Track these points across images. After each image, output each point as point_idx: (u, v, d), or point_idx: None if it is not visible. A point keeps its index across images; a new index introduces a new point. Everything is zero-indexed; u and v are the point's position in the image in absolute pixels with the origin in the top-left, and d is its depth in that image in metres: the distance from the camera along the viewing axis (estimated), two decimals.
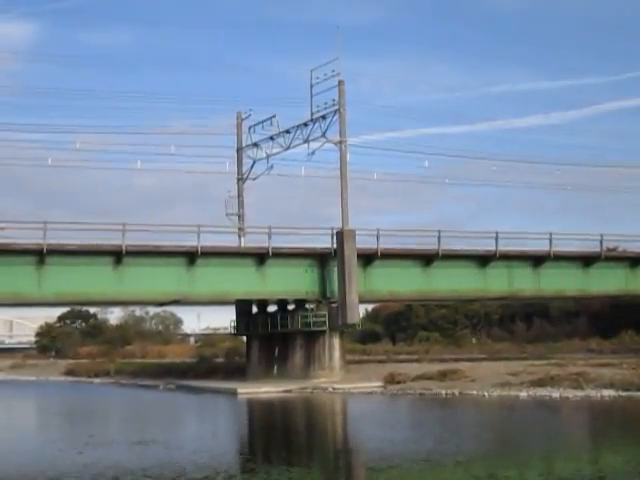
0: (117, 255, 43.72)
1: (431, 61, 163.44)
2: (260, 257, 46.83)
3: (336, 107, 47.48)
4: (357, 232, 47.16)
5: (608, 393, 34.19)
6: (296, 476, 17.56)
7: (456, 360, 51.26)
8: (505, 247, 51.09)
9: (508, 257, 51.47)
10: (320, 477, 18.03)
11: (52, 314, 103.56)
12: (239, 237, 51.91)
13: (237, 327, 55.89)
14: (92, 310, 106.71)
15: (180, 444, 23.64)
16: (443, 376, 42.20)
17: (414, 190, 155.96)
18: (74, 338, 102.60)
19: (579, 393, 34.62)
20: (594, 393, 34.43)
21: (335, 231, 47.07)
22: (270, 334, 51.68)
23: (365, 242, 47.88)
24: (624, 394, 33.78)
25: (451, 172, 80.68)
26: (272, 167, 53.11)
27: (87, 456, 21.04)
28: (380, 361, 56.61)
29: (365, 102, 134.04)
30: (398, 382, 43.10)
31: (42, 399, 50.37)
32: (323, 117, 48.26)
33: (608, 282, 54.74)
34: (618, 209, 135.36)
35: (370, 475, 18.17)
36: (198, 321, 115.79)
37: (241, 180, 55.15)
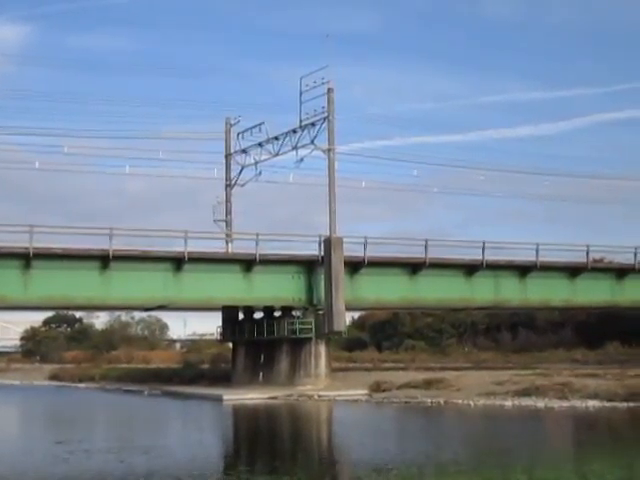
0: (104, 259, 43.59)
1: (423, 70, 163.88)
2: (247, 263, 46.80)
3: (325, 114, 47.55)
4: (344, 240, 47.21)
5: (593, 403, 34.29)
6: None
7: (442, 369, 51.29)
8: (492, 257, 51.24)
9: (495, 267, 51.61)
10: None
11: (37, 318, 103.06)
12: (226, 243, 51.86)
13: (223, 333, 55.81)
14: (78, 314, 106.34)
15: (163, 451, 23.57)
16: (428, 385, 42.23)
17: (403, 199, 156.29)
18: (59, 342, 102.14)
19: (564, 403, 34.71)
20: (579, 403, 34.54)
21: (322, 238, 47.08)
22: (256, 341, 51.63)
23: (352, 250, 47.97)
24: (608, 404, 33.89)
25: (440, 181, 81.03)
26: (260, 173, 53.24)
27: (65, 464, 20.93)
28: (366, 369, 56.61)
29: (357, 110, 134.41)
30: (384, 390, 43.12)
31: (25, 403, 50.14)
32: (312, 124, 48.32)
33: (594, 293, 54.95)
34: (606, 220, 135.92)
35: None
36: (184, 327, 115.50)
37: (229, 186, 55.14)
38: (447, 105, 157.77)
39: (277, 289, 47.61)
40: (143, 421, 35.74)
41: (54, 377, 76.35)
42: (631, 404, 33.41)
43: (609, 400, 34.38)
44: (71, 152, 49.51)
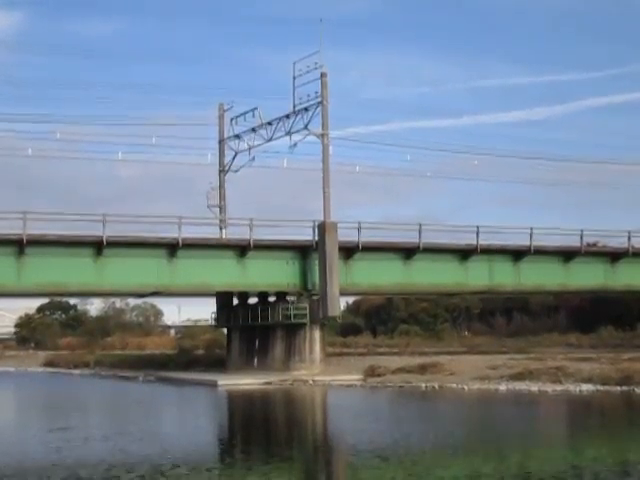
0: (97, 246, 43.52)
1: (418, 54, 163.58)
2: (241, 249, 46.77)
3: (319, 99, 47.41)
4: (339, 225, 47.17)
5: (586, 387, 34.40)
6: (276, 468, 17.56)
7: (436, 353, 51.44)
8: (486, 241, 51.26)
9: (489, 251, 51.64)
10: (300, 469, 18.04)
11: (32, 305, 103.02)
12: (220, 229, 51.82)
13: (218, 319, 55.83)
14: (72, 301, 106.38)
15: (159, 437, 23.59)
16: (423, 369, 42.34)
17: (397, 184, 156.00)
18: (54, 329, 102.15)
19: (558, 387, 34.82)
20: (573, 387, 34.64)
21: (317, 224, 47.04)
22: (251, 326, 51.66)
23: (347, 235, 47.92)
24: (602, 388, 34.01)
25: (434, 166, 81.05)
26: (254, 159, 53.11)
27: (61, 452, 20.94)
28: (360, 354, 56.73)
29: (351, 95, 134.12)
30: (378, 375, 43.20)
31: (20, 390, 50.12)
32: (306, 109, 48.18)
33: (588, 277, 55.04)
34: (600, 205, 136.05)
35: (349, 467, 18.20)
36: (178, 313, 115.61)
37: (223, 172, 55.02)
38: (441, 90, 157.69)
39: (271, 275, 47.60)
40: (138, 407, 35.75)
41: (49, 364, 76.35)
42: (624, 388, 33.52)
43: (603, 384, 34.49)
44: (64, 138, 49.42)
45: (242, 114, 52.84)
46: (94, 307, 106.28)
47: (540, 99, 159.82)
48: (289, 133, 49.38)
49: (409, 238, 49.72)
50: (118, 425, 27.21)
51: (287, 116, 49.35)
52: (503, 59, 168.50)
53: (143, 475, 16.67)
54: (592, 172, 65.47)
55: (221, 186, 54.84)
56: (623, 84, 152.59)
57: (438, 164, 76.22)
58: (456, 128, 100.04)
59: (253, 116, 51.78)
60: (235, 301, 54.37)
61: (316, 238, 46.97)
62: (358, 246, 48.16)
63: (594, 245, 57.84)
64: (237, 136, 53.66)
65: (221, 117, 55.20)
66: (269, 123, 50.82)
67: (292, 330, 48.97)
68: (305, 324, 48.34)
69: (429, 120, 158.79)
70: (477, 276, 52.00)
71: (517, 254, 52.75)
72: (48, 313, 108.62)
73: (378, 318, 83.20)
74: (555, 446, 20.52)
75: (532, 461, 18.19)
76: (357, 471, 17.40)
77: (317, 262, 47.07)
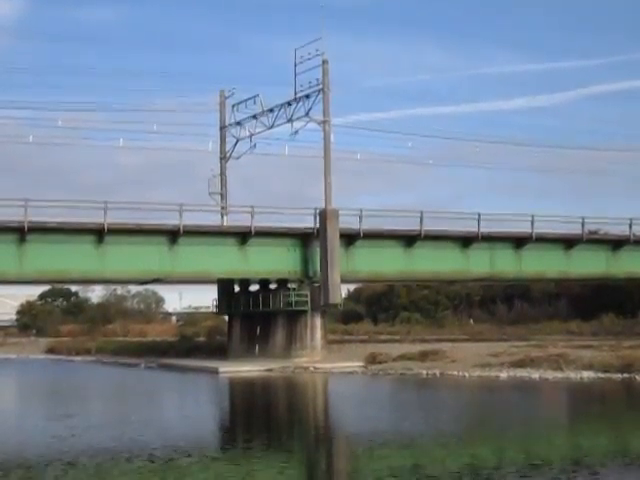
0: (99, 233, 43.53)
1: (419, 42, 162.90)
2: (242, 236, 46.77)
3: (320, 87, 47.30)
4: (340, 212, 47.14)
5: (587, 375, 34.44)
6: (277, 455, 17.60)
7: (437, 341, 51.47)
8: (487, 229, 51.21)
9: (490, 239, 51.60)
10: (301, 456, 18.08)
11: (33, 292, 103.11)
12: (222, 216, 51.77)
13: (219, 306, 55.86)
14: (73, 288, 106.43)
15: (160, 424, 23.64)
16: (424, 356, 42.37)
17: (399, 171, 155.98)
18: (55, 316, 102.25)
19: (559, 374, 34.85)
20: (574, 375, 34.67)
21: (318, 211, 47.01)
22: (252, 313, 51.70)
23: (348, 222, 47.91)
24: (603, 376, 34.03)
25: (436, 153, 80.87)
26: (255, 146, 53.04)
27: (64, 441, 20.99)
28: (362, 341, 56.78)
29: (352, 82, 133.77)
30: (379, 362, 43.26)
31: (22, 377, 50.22)
32: (307, 96, 48.08)
33: (589, 265, 55.01)
34: (602, 192, 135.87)
35: (350, 454, 18.23)
36: (180, 300, 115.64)
37: (224, 159, 54.95)
38: (443, 77, 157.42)
39: (272, 262, 47.62)
40: (140, 394, 35.82)
41: (50, 351, 76.48)
42: (625, 375, 33.54)
43: (604, 371, 34.52)
44: (65, 125, 49.37)
45: (243, 101, 52.77)
46: (95, 294, 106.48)
47: (540, 87, 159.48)
48: (290, 120, 49.31)
49: (410, 225, 49.71)
50: (120, 412, 27.26)
51: (288, 103, 49.26)
52: (503, 46, 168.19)
53: (144, 463, 16.70)
54: (593, 159, 65.43)
55: (222, 173, 54.78)
56: (624, 72, 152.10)
57: (439, 151, 76.15)
58: (457, 115, 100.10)
59: (254, 103, 51.70)
60: (236, 288, 54.40)
61: (317, 225, 46.95)
62: (359, 233, 48.15)
63: (595, 233, 57.76)
64: (238, 123, 53.56)
65: (222, 104, 55.08)
66: (270, 110, 50.73)
67: (293, 317, 49.03)
68: (306, 311, 48.39)
69: (430, 107, 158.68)
70: (478, 263, 51.98)
71: (518, 241, 52.72)
72: (49, 300, 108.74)
73: (379, 305, 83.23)
74: (556, 433, 20.56)
75: (533, 448, 18.22)
76: (358, 458, 17.44)
77: (318, 249, 47.07)
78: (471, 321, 72.12)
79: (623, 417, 23.65)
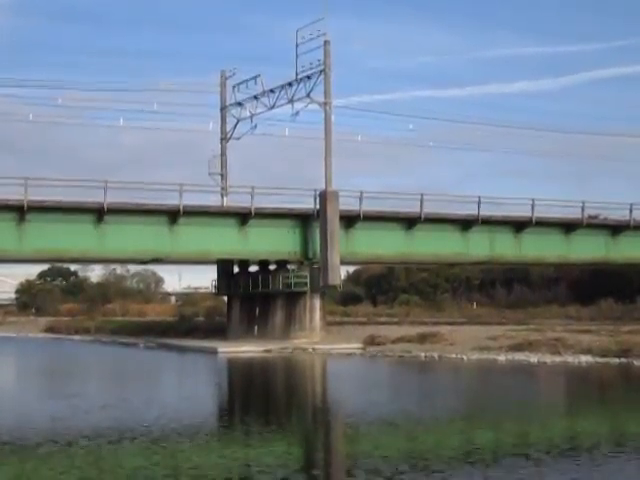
0: (98, 212, 43.51)
1: (423, 24, 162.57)
2: (242, 217, 46.75)
3: (322, 67, 47.13)
4: (340, 194, 47.11)
5: (585, 359, 34.48)
6: (275, 435, 17.64)
7: (436, 323, 51.56)
8: (487, 212, 51.21)
9: (490, 222, 51.61)
10: (299, 436, 18.12)
11: (32, 271, 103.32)
12: (222, 197, 51.75)
13: (218, 287, 55.92)
14: (73, 268, 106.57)
15: (158, 403, 23.68)
16: (423, 339, 42.45)
17: (399, 154, 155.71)
18: (55, 295, 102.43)
19: (557, 358, 34.90)
20: (572, 359, 34.72)
21: (318, 192, 46.97)
22: (251, 294, 51.75)
23: (348, 204, 47.91)
24: (601, 360, 34.07)
25: (438, 136, 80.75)
26: (256, 127, 52.90)
27: (64, 421, 21.03)
28: (360, 323, 56.89)
29: (355, 64, 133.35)
30: (378, 344, 43.36)
31: (21, 356, 50.33)
32: (308, 77, 47.91)
33: (588, 249, 55.05)
34: (603, 177, 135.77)
35: (347, 434, 18.28)
36: (179, 280, 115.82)
37: (224, 139, 54.83)
38: (447, 59, 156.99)
39: (272, 243, 47.62)
40: (139, 374, 35.89)
41: (49, 329, 76.68)
42: (623, 360, 33.58)
43: (602, 356, 34.56)
44: (65, 104, 49.25)
45: (244, 81, 52.59)
46: (95, 274, 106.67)
47: (545, 70, 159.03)
48: (291, 101, 49.17)
49: (411, 208, 49.69)
50: (119, 391, 27.31)
51: (289, 84, 49.10)
52: (508, 29, 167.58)
53: (144, 443, 16.74)
54: (595, 144, 65.30)
55: (223, 154, 54.67)
56: (629, 56, 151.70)
57: (441, 134, 76.04)
58: (459, 98, 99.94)
59: (255, 83, 51.55)
60: (236, 269, 54.44)
61: (317, 207, 46.92)
62: (359, 215, 48.13)
63: (596, 217, 57.75)
64: (239, 104, 53.41)
65: (223, 84, 54.91)
66: (271, 91, 50.57)
67: (292, 298, 49.08)
68: (305, 292, 48.45)
69: (432, 90, 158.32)
70: (478, 247, 52.01)
71: (518, 225, 52.72)
72: (49, 279, 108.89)
73: (378, 287, 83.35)
74: (553, 417, 20.60)
75: (530, 430, 18.27)
76: (355, 438, 17.48)
77: (318, 231, 47.06)
78: (474, 305, 72.15)
79: (620, 401, 23.70)
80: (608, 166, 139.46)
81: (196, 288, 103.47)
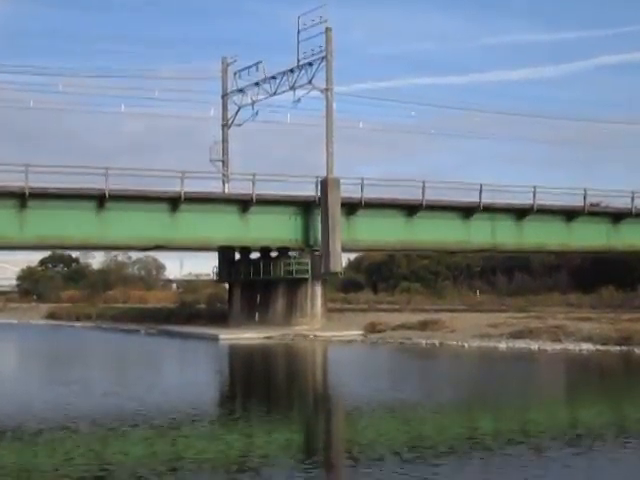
0: (100, 199, 43.48)
1: (425, 10, 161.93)
2: (244, 204, 46.72)
3: (323, 54, 47.03)
4: (342, 181, 47.07)
5: (586, 347, 34.52)
6: (276, 422, 17.69)
7: (437, 311, 51.56)
8: (489, 199, 51.15)
9: (491, 209, 51.56)
10: (300, 423, 18.17)
11: (34, 258, 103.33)
12: (223, 183, 51.71)
13: (219, 274, 55.95)
14: (74, 254, 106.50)
15: (160, 390, 23.73)
16: (424, 326, 42.49)
17: (401, 141, 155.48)
18: (56, 282, 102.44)
19: (557, 346, 34.94)
20: (572, 346, 34.76)
21: (319, 179, 46.93)
22: (252, 281, 51.79)
23: (349, 191, 47.88)
24: (602, 348, 34.12)
25: (440, 123, 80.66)
26: (257, 113, 52.85)
27: (67, 407, 21.09)
28: (361, 310, 56.88)
29: (356, 50, 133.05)
30: (379, 331, 43.41)
31: (23, 342, 50.40)
32: (310, 64, 47.80)
33: (590, 237, 55.01)
34: (605, 165, 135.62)
35: (348, 421, 18.32)
36: (180, 267, 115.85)
37: (226, 126, 54.78)
38: (448, 46, 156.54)
39: (274, 230, 47.62)
40: (140, 360, 35.98)
41: (51, 316, 76.74)
42: (624, 348, 33.63)
43: (602, 344, 34.61)
44: (66, 91, 49.16)
45: (246, 68, 52.51)
46: (96, 260, 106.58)
47: (547, 57, 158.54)
48: (293, 88, 49.08)
49: (412, 195, 49.63)
50: (120, 378, 27.38)
51: (291, 70, 49.00)
52: (510, 16, 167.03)
53: (145, 429, 16.79)
54: (599, 132, 65.21)
55: (224, 140, 54.63)
56: (632, 43, 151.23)
57: (442, 121, 75.82)
58: (461, 85, 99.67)
59: (257, 70, 51.47)
60: (237, 256, 54.46)
61: (319, 194, 46.89)
62: (361, 202, 48.09)
63: (597, 205, 57.66)
64: (240, 90, 53.33)
65: (224, 71, 54.82)
66: (273, 77, 50.48)
67: (294, 285, 49.12)
68: (307, 279, 48.48)
69: (434, 77, 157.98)
70: (479, 234, 51.97)
71: (520, 213, 52.67)
72: (50, 266, 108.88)
73: (379, 275, 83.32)
74: (553, 405, 20.65)
75: (530, 417, 18.32)
76: (356, 425, 17.52)
77: (319, 218, 47.05)
78: (477, 293, 72.09)
79: (620, 389, 23.73)
80: (610, 153, 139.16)
81: (197, 275, 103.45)
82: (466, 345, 37.19)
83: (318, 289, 48.90)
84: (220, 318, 53.99)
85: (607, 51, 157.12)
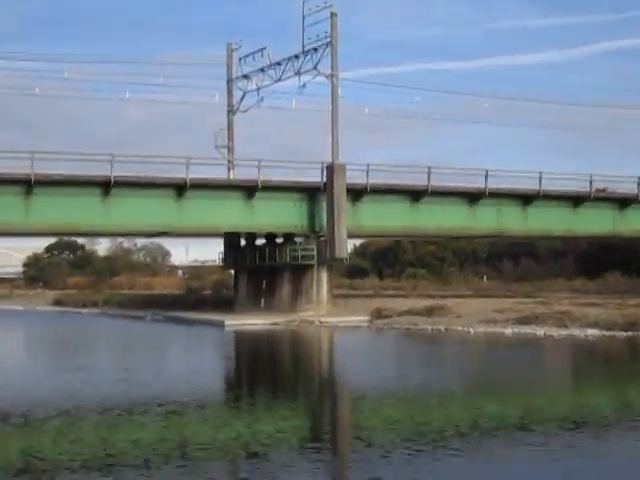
0: (105, 186, 43.49)
1: None
2: (249, 190, 46.68)
3: (328, 40, 46.87)
4: (347, 167, 47.00)
5: (592, 332, 34.49)
6: (282, 407, 17.72)
7: (443, 296, 51.55)
8: (495, 185, 51.03)
9: (497, 195, 51.44)
10: (306, 410, 18.21)
11: (40, 245, 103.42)
12: (228, 170, 51.67)
13: (225, 260, 55.98)
14: (80, 241, 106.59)
15: (166, 376, 23.80)
16: (429, 312, 42.48)
17: (407, 127, 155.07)
18: (62, 269, 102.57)
19: (563, 332, 34.93)
20: (578, 332, 34.74)
21: (325, 165, 46.87)
22: (258, 267, 51.82)
23: (355, 177, 47.79)
24: (608, 333, 34.10)
25: (445, 109, 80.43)
26: (262, 99, 52.77)
27: (75, 394, 21.15)
28: (367, 296, 56.90)
29: (362, 36, 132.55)
30: (384, 317, 43.42)
31: (30, 329, 50.51)
32: (315, 50, 47.67)
33: (596, 223, 54.88)
34: (612, 150, 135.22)
35: (354, 406, 18.35)
36: (186, 253, 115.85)
37: (231, 112, 54.68)
38: (454, 31, 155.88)
39: (279, 216, 47.59)
40: (147, 346, 36.04)
41: (57, 303, 76.90)
42: (630, 333, 33.61)
43: (608, 329, 34.58)
44: (71, 77, 49.09)
45: (251, 54, 52.35)
46: (102, 247, 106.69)
47: (553, 42, 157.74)
48: (298, 74, 48.96)
49: (418, 181, 49.54)
50: (127, 364, 27.42)
51: (296, 56, 48.86)
52: (517, 0, 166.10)
53: (151, 415, 16.84)
54: (606, 117, 64.92)
55: (229, 127, 54.55)
56: (639, 27, 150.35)
57: (448, 107, 75.62)
58: (468, 70, 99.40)
59: (262, 56, 51.31)
60: (243, 242, 54.48)
61: (324, 180, 46.84)
62: (366, 188, 48.03)
63: (603, 190, 57.49)
64: (245, 76, 53.21)
65: (229, 57, 54.67)
66: (278, 63, 50.34)
67: (299, 271, 49.14)
68: (312, 265, 48.49)
69: (440, 62, 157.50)
70: (485, 220, 51.90)
71: (525, 198, 52.55)
72: (56, 253, 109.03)
73: (385, 261, 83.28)
74: (559, 391, 20.66)
75: (536, 403, 18.33)
76: (362, 410, 17.55)
77: (325, 204, 47.02)
78: (484, 278, 72.01)
79: (628, 376, 23.71)
80: (616, 139, 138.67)
81: (203, 261, 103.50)
82: (472, 331, 37.20)
83: (324, 275, 48.92)
84: (226, 304, 54.06)
85: (613, 36, 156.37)
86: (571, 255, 70.78)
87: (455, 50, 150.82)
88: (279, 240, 51.64)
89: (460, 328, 37.96)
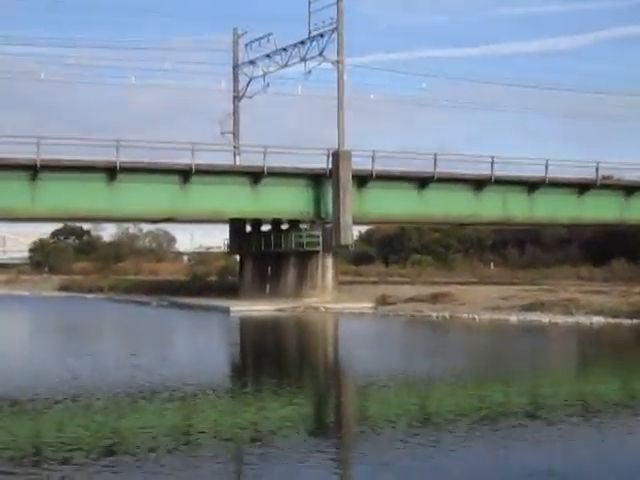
0: (111, 171, 43.51)
1: None
2: (255, 176, 46.66)
3: (334, 26, 46.74)
4: (353, 153, 46.96)
5: (597, 320, 34.47)
6: (288, 394, 17.75)
7: (448, 283, 51.55)
8: (501, 172, 50.96)
9: (503, 182, 51.38)
10: (312, 395, 18.24)
11: (45, 230, 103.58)
12: (234, 156, 51.64)
13: (230, 246, 56.04)
14: (85, 226, 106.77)
15: (170, 361, 23.86)
16: (434, 299, 42.48)
17: (413, 112, 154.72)
18: (67, 254, 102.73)
19: (569, 319, 34.91)
20: (583, 319, 34.72)
21: (331, 152, 46.82)
22: (263, 253, 51.85)
23: (361, 163, 47.80)
24: (613, 321, 34.07)
25: (451, 95, 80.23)
26: (268, 85, 52.72)
27: (80, 379, 21.20)
28: (372, 283, 56.93)
29: (369, 22, 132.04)
30: (389, 303, 43.44)
31: (36, 314, 50.61)
32: (321, 35, 47.57)
33: (602, 210, 54.78)
34: (619, 137, 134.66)
35: (359, 394, 18.39)
36: (191, 239, 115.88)
37: (237, 98, 54.61)
38: (461, 18, 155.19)
39: (285, 202, 47.58)
40: (152, 332, 36.11)
41: (63, 288, 77.08)
42: (635, 321, 33.56)
43: (614, 317, 34.54)
44: (76, 63, 49.10)
45: (257, 40, 52.27)
46: (107, 233, 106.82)
47: (562, 29, 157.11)
48: (304, 59, 48.87)
49: (423, 167, 49.49)
50: (133, 350, 27.48)
51: (302, 42, 48.75)
52: None
53: (157, 401, 16.89)
54: (612, 104, 64.69)
55: (235, 112, 54.50)
56: None
57: (455, 93, 75.62)
58: (474, 57, 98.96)
59: (268, 42, 51.25)
60: (248, 228, 54.49)
61: (330, 166, 46.79)
62: (372, 175, 47.99)
63: (609, 178, 57.38)
64: (251, 62, 53.13)
65: (235, 43, 54.58)
66: (284, 49, 50.24)
67: (305, 258, 49.16)
68: (318, 252, 48.51)
69: (447, 49, 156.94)
70: (491, 207, 51.83)
71: (531, 185, 52.47)
72: (62, 238, 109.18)
73: (390, 247, 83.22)
74: (563, 378, 20.66)
75: (541, 390, 18.34)
76: (366, 398, 17.59)
77: (331, 190, 46.99)
78: (491, 265, 71.92)
79: (633, 364, 23.70)
80: (624, 126, 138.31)
81: (208, 247, 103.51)
82: (477, 318, 37.21)
83: (329, 261, 48.93)
84: (231, 290, 54.12)
85: (623, 23, 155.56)
86: (577, 242, 70.67)
87: (463, 37, 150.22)
88: (284, 226, 51.65)
89: (465, 315, 37.98)
